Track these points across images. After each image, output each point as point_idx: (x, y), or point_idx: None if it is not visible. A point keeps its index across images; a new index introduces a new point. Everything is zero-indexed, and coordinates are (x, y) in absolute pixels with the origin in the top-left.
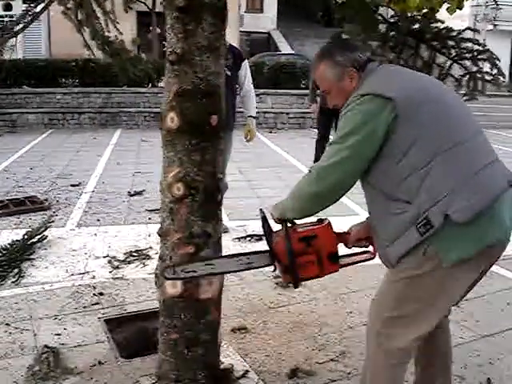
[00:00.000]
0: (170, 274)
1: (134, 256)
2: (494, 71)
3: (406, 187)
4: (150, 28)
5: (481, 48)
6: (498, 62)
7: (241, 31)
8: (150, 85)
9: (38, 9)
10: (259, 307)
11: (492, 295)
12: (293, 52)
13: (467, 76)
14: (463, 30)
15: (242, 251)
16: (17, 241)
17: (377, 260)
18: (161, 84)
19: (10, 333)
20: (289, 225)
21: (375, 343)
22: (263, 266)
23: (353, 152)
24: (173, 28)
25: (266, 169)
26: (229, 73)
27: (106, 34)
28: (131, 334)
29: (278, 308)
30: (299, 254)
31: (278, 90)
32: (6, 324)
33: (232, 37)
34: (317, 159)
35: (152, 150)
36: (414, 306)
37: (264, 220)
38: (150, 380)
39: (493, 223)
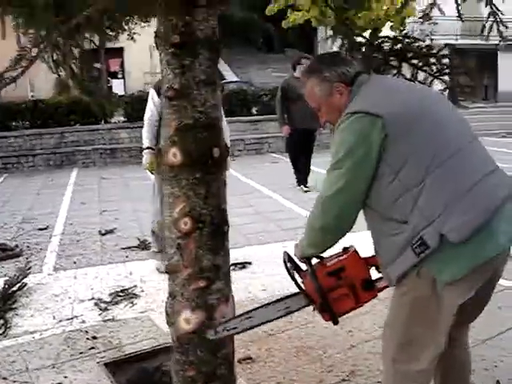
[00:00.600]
0: (212, 334)
1: (120, 296)
2: (472, 84)
3: (400, 207)
4: (98, 65)
5: (459, 63)
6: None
7: None
8: (103, 121)
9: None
10: (259, 335)
11: None
12: (238, 79)
13: (447, 90)
14: (443, 48)
15: None
16: None
17: None
18: (113, 120)
19: None
20: (316, 260)
21: (392, 369)
22: (302, 308)
23: (351, 176)
24: (169, 64)
25: (235, 196)
26: None
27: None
28: (132, 375)
29: (277, 334)
30: (330, 289)
31: (232, 118)
32: (3, 378)
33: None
34: (299, 176)
35: (114, 188)
36: (419, 329)
37: (288, 261)
38: None
39: (489, 239)
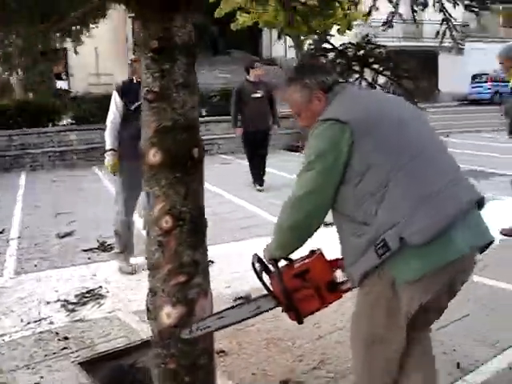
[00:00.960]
0: (186, 334)
1: (86, 297)
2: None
3: (364, 210)
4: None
5: (416, 68)
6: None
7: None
8: (51, 124)
9: None
10: (228, 330)
11: None
12: None
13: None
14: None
15: None
16: None
17: None
18: (62, 122)
19: None
20: (284, 263)
21: (359, 363)
22: (272, 308)
23: (321, 180)
24: (148, 68)
25: None
26: None
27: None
28: (107, 373)
29: (246, 328)
30: (296, 290)
31: None
32: None
33: (123, 69)
34: (254, 175)
35: (66, 190)
36: (380, 329)
37: (257, 262)
38: None
39: (449, 243)
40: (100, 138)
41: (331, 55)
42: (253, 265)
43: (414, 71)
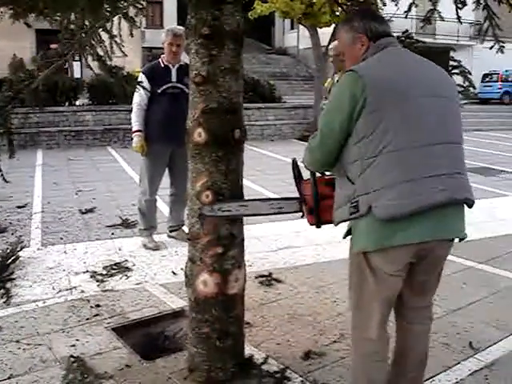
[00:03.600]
0: (208, 210)
1: (114, 269)
2: (466, 83)
3: (353, 169)
4: (51, 46)
5: (455, 63)
6: (469, 76)
7: (143, 47)
8: (68, 103)
9: None
10: (253, 304)
11: (449, 277)
12: None
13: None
14: (448, 48)
15: None
16: None
17: (339, 256)
18: (78, 102)
19: (24, 349)
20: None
21: (352, 336)
22: (292, 212)
23: (326, 121)
24: (197, 53)
25: None
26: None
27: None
28: (139, 339)
29: (269, 304)
30: (324, 197)
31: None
32: (17, 341)
33: (135, 53)
34: None
35: (84, 169)
36: (364, 297)
37: (294, 167)
38: (181, 375)
39: (409, 227)
40: (115, 120)
41: None
42: (293, 169)
43: (460, 68)
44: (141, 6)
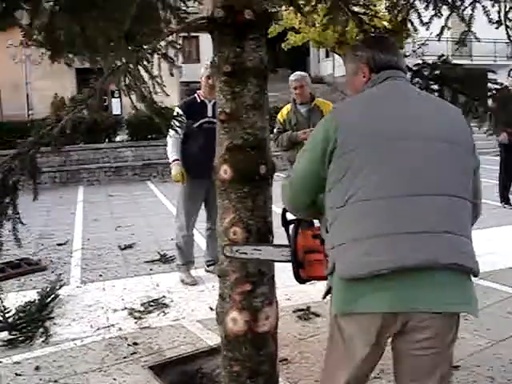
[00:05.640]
0: (228, 252)
1: (151, 306)
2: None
3: (328, 218)
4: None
5: (498, 86)
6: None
7: (180, 82)
8: (107, 140)
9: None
10: (290, 339)
11: (492, 306)
12: None
13: (488, 113)
14: (487, 72)
15: None
16: (30, 302)
17: None
18: (117, 138)
19: None
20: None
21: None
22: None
23: (307, 166)
24: (222, 90)
25: None
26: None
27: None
28: (175, 377)
29: (307, 338)
30: (311, 251)
31: None
32: (55, 381)
33: (173, 88)
34: None
35: (124, 204)
36: (326, 355)
37: (283, 217)
38: None
39: (370, 294)
40: (154, 155)
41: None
42: (282, 217)
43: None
44: (179, 46)
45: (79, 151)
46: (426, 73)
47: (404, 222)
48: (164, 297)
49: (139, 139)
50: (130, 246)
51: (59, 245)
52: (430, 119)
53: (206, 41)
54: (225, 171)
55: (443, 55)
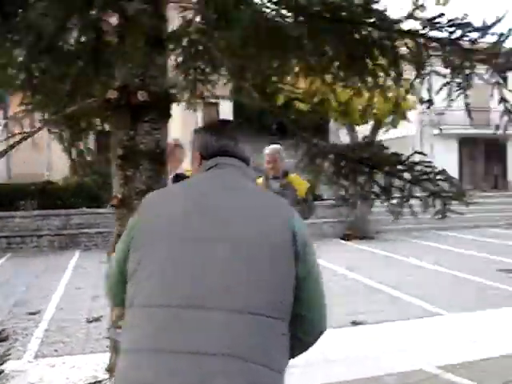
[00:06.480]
0: None
1: None
2: (453, 189)
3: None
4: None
5: (437, 170)
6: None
7: None
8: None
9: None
10: None
11: None
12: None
13: (431, 197)
14: (411, 155)
15: None
16: None
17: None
18: None
19: None
20: None
21: None
22: None
23: (113, 263)
24: (116, 175)
25: None
26: None
27: None
28: None
29: None
30: None
31: None
32: None
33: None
34: None
35: None
36: None
37: None
38: None
39: None
40: None
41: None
42: None
43: (443, 175)
44: None
45: (79, 215)
46: (353, 155)
47: (166, 338)
48: (109, 378)
49: None
50: (97, 319)
51: (31, 314)
52: (243, 218)
53: (226, 107)
54: None
55: (367, 136)
